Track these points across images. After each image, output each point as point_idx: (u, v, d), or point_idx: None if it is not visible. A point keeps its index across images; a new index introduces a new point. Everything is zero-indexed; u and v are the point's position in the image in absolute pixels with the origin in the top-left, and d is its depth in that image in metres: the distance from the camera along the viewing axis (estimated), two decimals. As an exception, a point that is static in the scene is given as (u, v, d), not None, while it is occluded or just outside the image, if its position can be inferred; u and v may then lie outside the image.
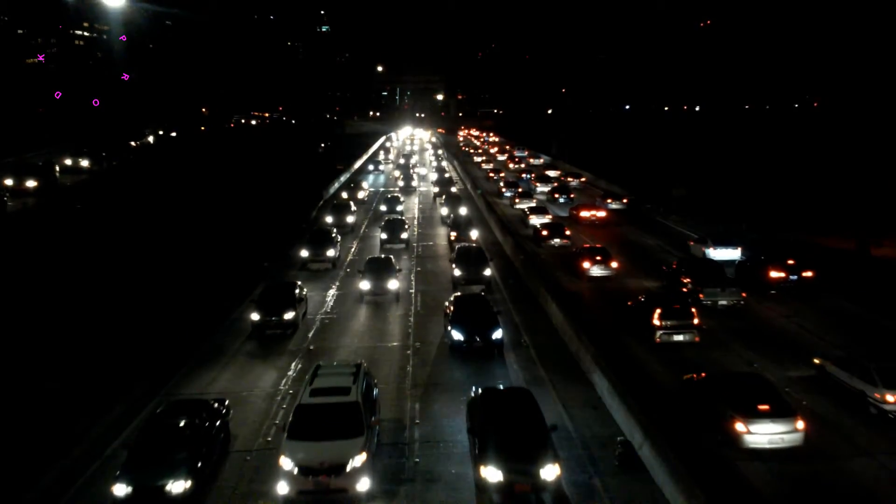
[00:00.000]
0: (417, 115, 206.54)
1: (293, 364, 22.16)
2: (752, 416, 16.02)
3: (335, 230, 38.87)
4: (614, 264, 32.88)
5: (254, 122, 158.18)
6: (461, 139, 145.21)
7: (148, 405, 18.75)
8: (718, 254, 35.03)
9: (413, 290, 31.11)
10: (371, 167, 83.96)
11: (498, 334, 22.65)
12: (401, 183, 68.38)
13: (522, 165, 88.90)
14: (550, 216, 46.54)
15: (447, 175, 70.99)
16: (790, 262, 29.99)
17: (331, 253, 35.14)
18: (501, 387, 18.05)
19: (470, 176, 74.21)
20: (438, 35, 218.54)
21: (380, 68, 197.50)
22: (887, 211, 40.66)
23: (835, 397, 19.05)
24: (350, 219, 45.92)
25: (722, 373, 19.39)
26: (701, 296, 27.35)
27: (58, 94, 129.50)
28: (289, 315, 24.73)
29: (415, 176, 72.21)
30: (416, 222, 48.78)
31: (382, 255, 32.58)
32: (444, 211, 49.47)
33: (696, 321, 23.67)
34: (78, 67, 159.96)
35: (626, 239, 42.74)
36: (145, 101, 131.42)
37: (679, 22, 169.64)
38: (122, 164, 69.13)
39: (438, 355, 23.03)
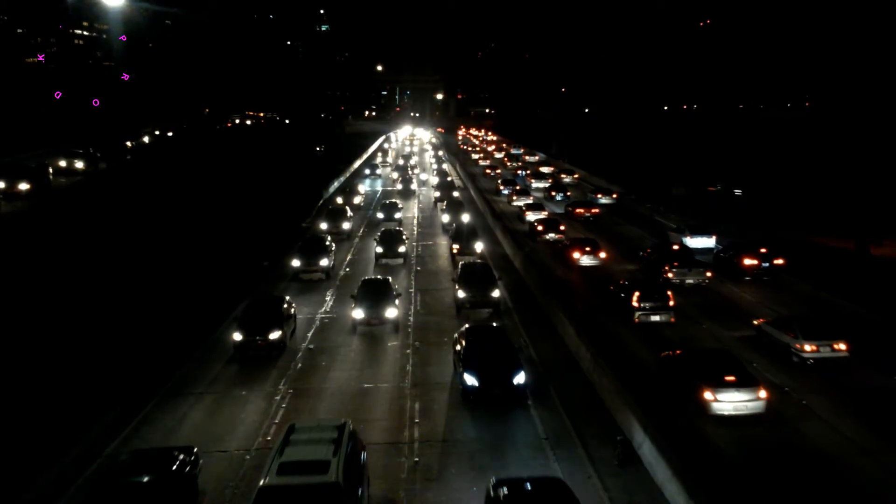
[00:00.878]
0: (416, 114, 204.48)
1: (275, 405, 19.11)
2: (719, 386, 17.71)
3: (329, 238, 36.64)
4: (602, 254, 35.24)
5: (248, 122, 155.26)
6: (460, 138, 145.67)
7: (109, 446, 16.55)
8: (695, 242, 38.40)
9: (412, 313, 27.79)
10: (367, 171, 78.56)
11: (520, 378, 18.83)
12: (399, 186, 65.05)
13: (518, 163, 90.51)
14: (546, 212, 48.23)
15: (449, 178, 67.41)
16: (762, 250, 32.45)
17: (324, 262, 32.89)
18: (528, 483, 13.06)
19: (470, 176, 74.54)
20: (438, 35, 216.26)
21: (379, 68, 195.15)
22: (887, 211, 40.84)
23: (767, 351, 22.64)
24: (346, 225, 43.27)
25: (693, 349, 21.53)
26: (671, 275, 30.88)
27: (58, 94, 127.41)
28: (274, 335, 22.52)
29: (414, 179, 68.89)
30: (415, 231, 45.74)
31: (378, 277, 28.16)
32: (446, 218, 46.03)
33: (671, 303, 26.08)
34: (77, 67, 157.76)
35: (614, 231, 46.14)
36: (144, 101, 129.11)
37: (679, 22, 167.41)
38: (117, 166, 66.65)
39: (446, 405, 19.03)
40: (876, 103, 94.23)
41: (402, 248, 35.82)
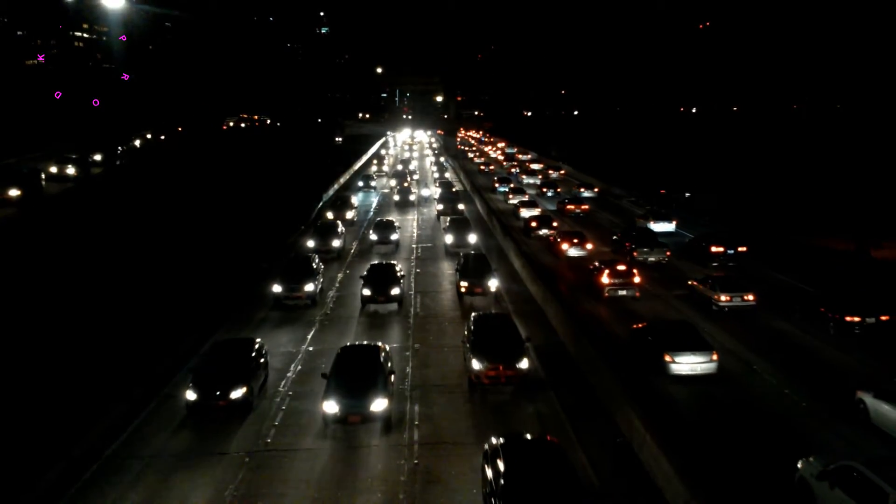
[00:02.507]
0: (416, 117, 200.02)
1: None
2: (677, 350, 20.29)
3: (317, 258, 32.09)
4: (589, 246, 37.79)
5: (243, 125, 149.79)
6: (459, 140, 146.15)
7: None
8: (657, 226, 44.52)
9: (409, 392, 19.90)
10: (361, 183, 67.57)
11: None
12: (397, 197, 57.83)
13: (514, 162, 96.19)
14: (540, 209, 50.56)
15: (454, 189, 58.92)
16: (728, 240, 36.53)
17: (310, 288, 28.42)
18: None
19: (468, 173, 76.35)
20: (438, 37, 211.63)
21: (379, 70, 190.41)
22: (887, 213, 41.01)
23: (695, 303, 28.29)
24: (336, 243, 37.94)
25: (658, 320, 24.65)
26: (636, 254, 35.65)
27: (58, 94, 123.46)
28: (237, 392, 18.12)
29: (413, 190, 61.82)
30: (413, 256, 38.64)
31: (364, 344, 20.21)
32: (449, 239, 38.66)
33: (637, 280, 29.62)
34: (77, 69, 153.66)
35: (596, 221, 51.14)
36: (142, 104, 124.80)
37: (679, 24, 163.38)
38: (108, 172, 62.20)
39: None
40: (875, 105, 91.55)
41: (395, 291, 27.66)
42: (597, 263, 31.15)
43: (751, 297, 26.85)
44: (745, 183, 61.24)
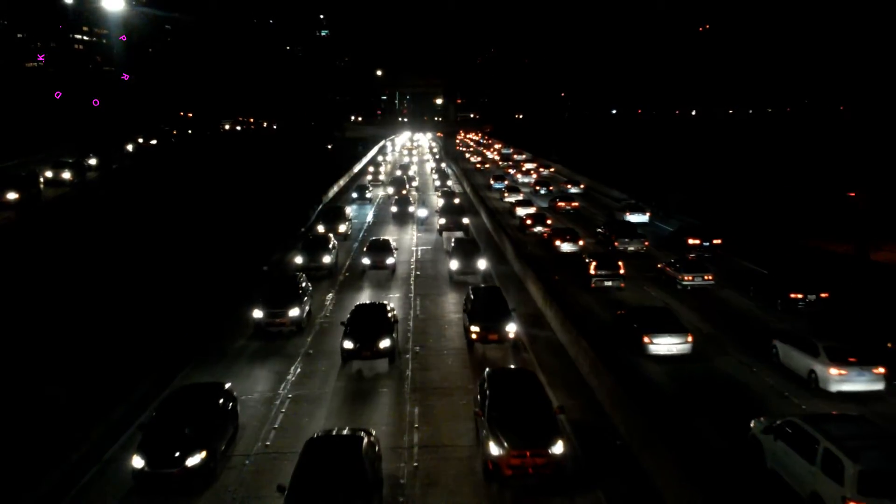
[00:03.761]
0: (412, 119, 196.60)
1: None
2: (655, 332, 22.02)
3: (304, 277, 28.24)
4: (581, 242, 39.20)
5: (239, 128, 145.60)
6: (459, 141, 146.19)
7: None
8: (632, 217, 47.79)
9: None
10: (355, 194, 59.86)
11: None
12: (394, 209, 51.05)
13: (510, 162, 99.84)
14: (535, 208, 51.84)
15: (457, 201, 51.58)
16: (705, 232, 39.28)
17: (294, 313, 24.65)
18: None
19: (464, 171, 76.90)
20: (438, 40, 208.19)
21: (379, 73, 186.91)
22: (887, 216, 41.08)
23: (663, 283, 31.42)
24: (327, 259, 33.32)
25: (639, 306, 25.73)
26: (616, 244, 38.33)
27: (58, 94, 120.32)
28: (194, 459, 14.62)
29: (412, 199, 55.82)
30: (412, 288, 31.35)
31: (341, 435, 14.41)
32: (455, 265, 32.06)
33: (622, 272, 30.82)
34: (77, 71, 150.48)
35: (584, 215, 53.63)
36: (142, 107, 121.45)
37: (678, 27, 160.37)
38: (102, 178, 59.40)
39: None
40: (875, 108, 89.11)
41: (385, 343, 20.99)
42: (585, 258, 32.73)
43: (710, 278, 30.48)
44: (729, 182, 63.30)
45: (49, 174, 53.43)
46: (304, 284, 26.94)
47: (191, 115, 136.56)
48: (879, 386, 18.83)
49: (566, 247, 38.38)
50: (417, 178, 76.28)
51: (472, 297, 24.29)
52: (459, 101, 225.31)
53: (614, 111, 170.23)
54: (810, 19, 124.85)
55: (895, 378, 19.17)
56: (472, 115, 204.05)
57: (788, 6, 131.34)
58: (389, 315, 22.58)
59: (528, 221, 45.51)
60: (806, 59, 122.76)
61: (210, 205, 46.98)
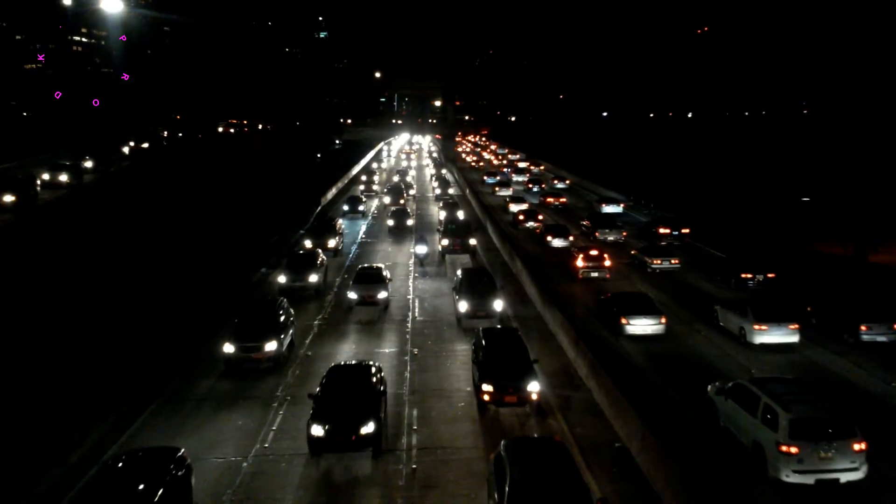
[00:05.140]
0: (410, 121, 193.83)
1: None
2: (631, 313, 23.81)
3: (286, 302, 23.56)
4: (571, 237, 40.61)
5: (232, 131, 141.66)
6: (457, 142, 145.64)
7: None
8: (607, 208, 52.10)
9: None
10: (346, 207, 51.73)
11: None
12: (390, 222, 44.56)
13: (505, 161, 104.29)
14: (527, 204, 53.46)
15: (461, 214, 44.24)
16: (675, 223, 42.36)
17: (271, 347, 20.33)
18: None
19: (460, 170, 77.80)
20: (437, 42, 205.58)
21: (378, 75, 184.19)
22: (885, 217, 41.13)
23: (636, 267, 34.53)
24: (314, 278, 28.56)
25: (620, 292, 27.13)
26: (598, 234, 41.77)
27: (58, 94, 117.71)
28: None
29: (410, 210, 49.59)
30: (407, 342, 23.53)
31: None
32: (464, 306, 24.97)
33: (607, 263, 32.40)
34: (76, 72, 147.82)
35: (571, 209, 55.60)
36: (139, 109, 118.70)
37: (677, 29, 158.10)
38: (97, 182, 56.61)
39: None
40: (873, 109, 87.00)
41: (368, 427, 15.11)
42: (574, 251, 34.86)
43: (676, 262, 33.62)
44: (702, 178, 65.60)
45: (46, 177, 51.92)
46: (284, 312, 22.41)
47: (180, 117, 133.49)
48: (794, 339, 22.48)
49: (557, 242, 39.94)
50: (416, 186, 70.52)
51: (483, 342, 19.05)
52: (458, 104, 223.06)
53: (605, 113, 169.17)
54: (806, 21, 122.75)
55: (808, 333, 23.27)
56: (467, 118, 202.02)
57: (788, 7, 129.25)
58: (375, 380, 16.64)
59: (521, 217, 47.69)
60: (802, 62, 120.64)
61: (196, 215, 43.32)
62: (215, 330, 23.04)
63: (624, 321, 23.71)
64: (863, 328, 22.50)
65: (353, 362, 19.30)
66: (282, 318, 21.93)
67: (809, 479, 13.87)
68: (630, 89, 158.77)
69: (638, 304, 24.56)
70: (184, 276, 28.88)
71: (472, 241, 37.35)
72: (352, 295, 26.62)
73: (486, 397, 17.47)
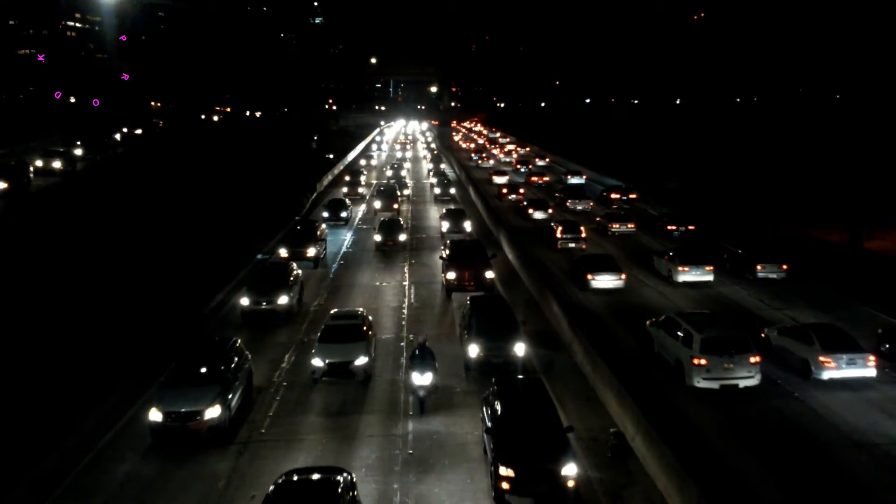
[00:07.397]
0: (407, 107, 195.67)
1: None
2: (595, 271, 28.26)
3: (237, 343, 18.11)
4: (550, 210, 46.02)
5: (216, 119, 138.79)
6: (453, 128, 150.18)
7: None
8: (573, 180, 61.81)
9: None
10: (326, 213, 41.93)
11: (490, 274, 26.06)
12: (378, 238, 34.64)
13: (496, 145, 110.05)
14: (507, 177, 63.18)
15: (468, 226, 38.65)
16: (625, 190, 52.56)
17: (214, 413, 15.10)
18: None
19: (451, 150, 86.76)
20: (433, 27, 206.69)
21: (373, 60, 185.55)
22: (880, 204, 41.90)
23: (599, 232, 40.79)
24: (283, 299, 23.33)
25: (587, 253, 32.38)
26: (567, 203, 48.81)
27: (58, 94, 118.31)
28: None
29: (402, 220, 39.74)
30: (398, 462, 14.95)
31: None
32: (474, 351, 18.64)
33: (583, 235, 36.48)
34: (70, 58, 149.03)
35: (551, 186, 60.80)
36: (134, 96, 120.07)
37: (674, 15, 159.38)
38: (91, 169, 57.09)
39: None
40: (872, 97, 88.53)
41: None
42: (553, 224, 38.41)
43: (632, 226, 40.48)
44: (742, 175, 63.39)
45: (39, 163, 51.77)
46: (233, 360, 16.83)
47: (185, 103, 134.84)
48: (709, 277, 28.87)
49: (538, 214, 45.03)
50: (411, 184, 60.55)
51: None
52: (454, 89, 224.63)
53: (587, 100, 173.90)
54: (806, 11, 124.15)
55: (724, 276, 29.78)
56: (457, 104, 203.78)
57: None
58: (340, 487, 11.54)
59: (504, 190, 53.74)
60: (798, 49, 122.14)
61: (174, 212, 38.99)
62: (148, 379, 17.59)
63: (590, 277, 28.05)
64: (759, 268, 29.19)
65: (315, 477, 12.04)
66: (233, 365, 16.66)
67: (715, 385, 18.11)
68: (620, 75, 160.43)
69: (602, 263, 29.11)
70: (127, 299, 23.67)
71: (490, 275, 26.48)
72: (316, 363, 18.04)
73: (503, 486, 13.40)
